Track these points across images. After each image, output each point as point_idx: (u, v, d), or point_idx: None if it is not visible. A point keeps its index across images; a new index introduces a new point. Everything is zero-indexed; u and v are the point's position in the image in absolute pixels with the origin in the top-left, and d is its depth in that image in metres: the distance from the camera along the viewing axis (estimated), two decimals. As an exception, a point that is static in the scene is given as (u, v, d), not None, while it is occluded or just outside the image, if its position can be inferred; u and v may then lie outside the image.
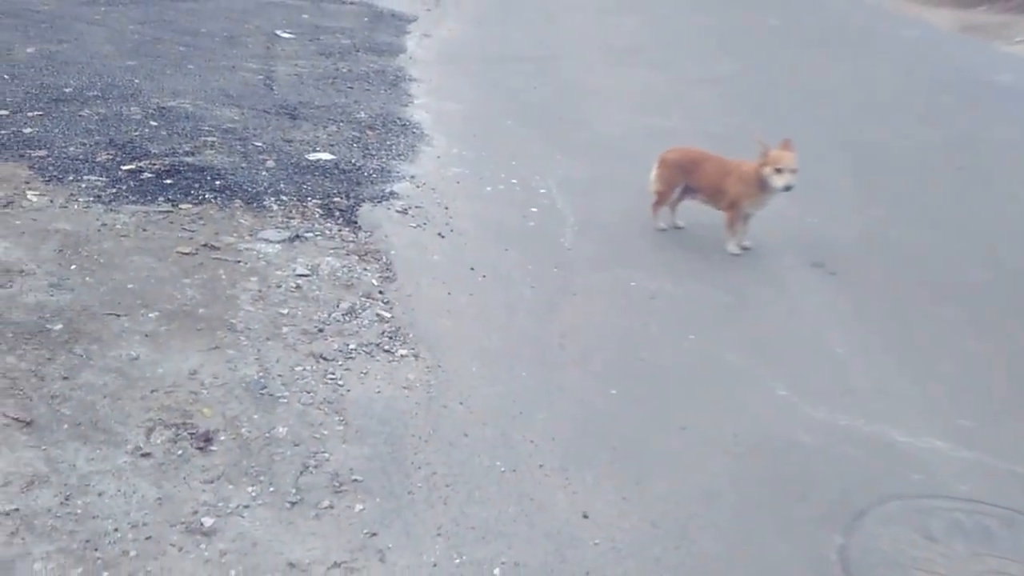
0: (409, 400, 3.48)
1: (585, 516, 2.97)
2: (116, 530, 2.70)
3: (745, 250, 4.92)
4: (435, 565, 2.73)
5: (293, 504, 2.92)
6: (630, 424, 3.47)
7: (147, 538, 2.69)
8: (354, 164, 5.62)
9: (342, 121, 6.37)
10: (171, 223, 4.58)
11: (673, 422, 3.48)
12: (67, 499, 2.79)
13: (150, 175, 5.09)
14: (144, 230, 4.47)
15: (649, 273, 4.63)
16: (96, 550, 2.61)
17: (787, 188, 4.54)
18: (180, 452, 3.06)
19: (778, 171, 4.52)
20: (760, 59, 9.08)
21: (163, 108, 6.19)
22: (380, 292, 4.21)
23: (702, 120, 6.83)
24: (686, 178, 4.96)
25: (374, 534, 2.83)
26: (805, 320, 4.33)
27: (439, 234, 4.87)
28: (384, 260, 4.50)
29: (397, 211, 5.06)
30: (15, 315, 3.66)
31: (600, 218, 5.21)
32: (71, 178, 4.94)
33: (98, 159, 5.23)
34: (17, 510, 2.71)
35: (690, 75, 8.27)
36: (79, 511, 2.75)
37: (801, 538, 2.96)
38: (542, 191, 5.52)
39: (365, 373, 3.60)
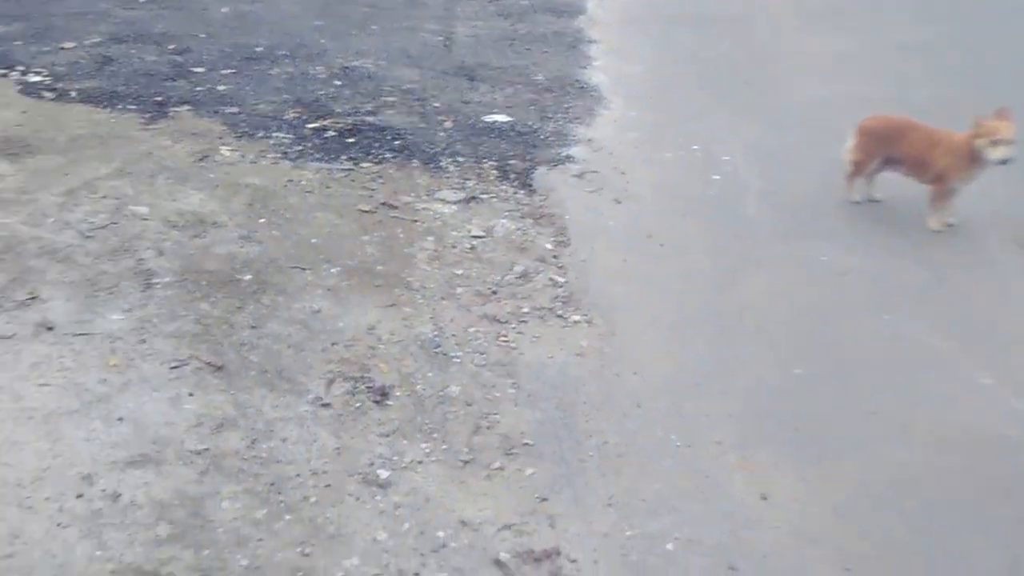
0: (582, 367, 3.41)
1: (764, 498, 2.83)
2: (298, 475, 2.78)
3: (949, 227, 4.52)
4: (606, 535, 2.67)
5: (465, 463, 2.92)
6: (814, 405, 3.26)
7: (326, 486, 2.76)
8: (530, 127, 5.57)
9: (519, 83, 6.32)
10: (352, 181, 4.69)
11: (861, 406, 3.25)
12: (253, 443, 2.90)
13: (334, 133, 5.23)
14: (327, 187, 4.59)
15: (840, 247, 4.33)
16: (279, 494, 2.70)
17: (1004, 162, 4.12)
18: (358, 405, 3.13)
19: (994, 143, 4.11)
20: (972, 23, 8.30)
21: (347, 68, 6.35)
22: (554, 256, 4.15)
23: (905, 88, 6.30)
24: (887, 148, 4.59)
25: (544, 499, 2.79)
26: (1013, 304, 3.94)
27: (615, 199, 4.74)
28: (559, 224, 4.43)
29: (573, 175, 4.97)
30: (209, 264, 3.84)
31: (787, 188, 4.92)
32: (261, 135, 5.15)
33: (286, 117, 5.43)
34: (208, 450, 2.84)
35: (892, 39, 7.65)
36: (264, 455, 2.86)
37: (1001, 538, 2.71)
38: (725, 158, 5.28)
39: (537, 337, 3.56)
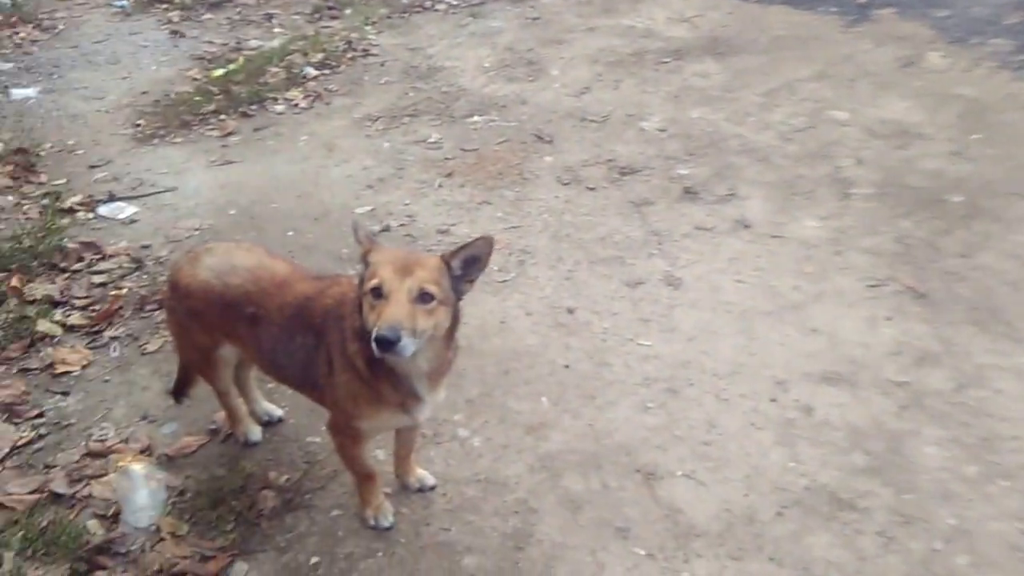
0: None
1: None
2: (1015, 437, 2.35)
3: None
4: None
5: None
6: None
7: (1055, 459, 2.28)
8: None
9: None
10: (1093, 99, 3.87)
11: None
12: (960, 387, 2.53)
13: (1069, 41, 4.37)
14: (1060, 104, 3.86)
15: None
16: (993, 453, 2.31)
17: None
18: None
19: None
20: None
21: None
22: None
23: None
24: None
25: None
26: None
27: None
28: None
29: None
30: (912, 180, 3.48)
31: None
32: (975, 41, 4.52)
33: (1006, 21, 4.68)
34: (908, 383, 2.55)
35: None
36: (972, 404, 2.47)
37: None
38: None
39: None
